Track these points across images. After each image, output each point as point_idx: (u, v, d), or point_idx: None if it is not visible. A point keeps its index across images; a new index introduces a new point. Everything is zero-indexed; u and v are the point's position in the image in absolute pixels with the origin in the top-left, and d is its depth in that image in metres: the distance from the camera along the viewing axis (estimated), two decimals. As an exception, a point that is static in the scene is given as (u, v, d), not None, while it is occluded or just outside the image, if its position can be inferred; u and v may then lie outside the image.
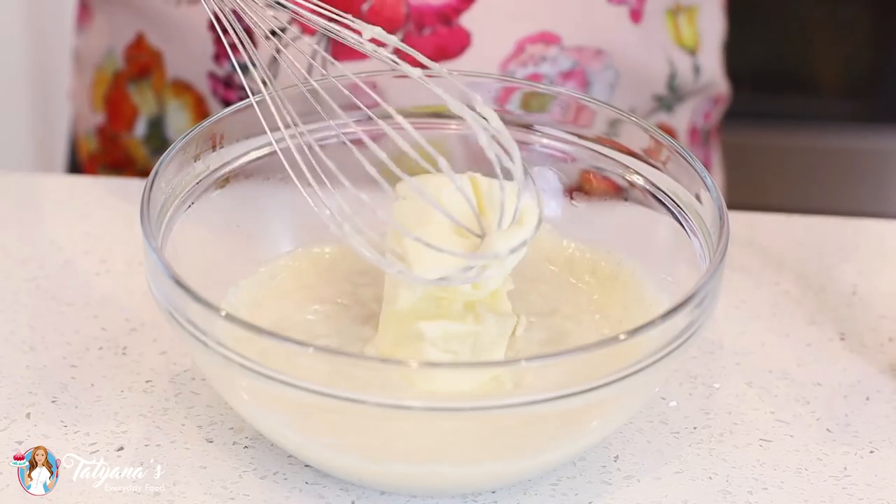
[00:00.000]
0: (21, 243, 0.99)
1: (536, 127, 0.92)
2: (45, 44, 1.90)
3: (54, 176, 1.09)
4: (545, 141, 0.92)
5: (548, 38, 1.04)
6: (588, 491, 0.83)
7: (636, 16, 1.07)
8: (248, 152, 0.90)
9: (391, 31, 1.01)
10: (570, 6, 1.05)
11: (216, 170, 0.88)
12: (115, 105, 1.15)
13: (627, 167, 0.90)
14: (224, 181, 0.89)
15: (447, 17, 1.03)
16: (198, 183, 0.88)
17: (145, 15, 1.09)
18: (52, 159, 1.96)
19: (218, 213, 0.89)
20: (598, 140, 0.91)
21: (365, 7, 1.02)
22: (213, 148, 0.88)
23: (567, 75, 1.05)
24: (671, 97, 1.11)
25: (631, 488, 0.83)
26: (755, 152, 2.07)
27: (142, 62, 1.12)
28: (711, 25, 1.15)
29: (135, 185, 1.03)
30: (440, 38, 1.03)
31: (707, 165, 1.19)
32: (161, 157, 0.85)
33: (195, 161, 0.87)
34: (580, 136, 0.92)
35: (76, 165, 1.23)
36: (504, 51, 1.04)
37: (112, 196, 1.04)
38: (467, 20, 1.03)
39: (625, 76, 1.08)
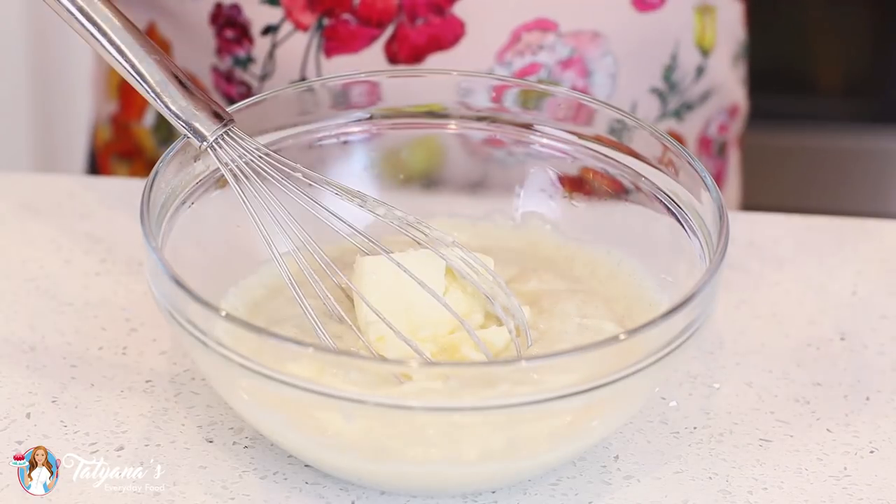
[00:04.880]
0: (21, 243, 0.99)
1: (536, 126, 0.92)
2: (45, 43, 1.90)
3: (54, 176, 1.09)
4: (545, 140, 0.92)
5: (544, 25, 1.03)
6: (588, 491, 0.83)
7: (640, 3, 1.05)
8: (247, 152, 0.90)
9: (384, 23, 1.01)
10: None
11: (216, 170, 0.88)
12: (127, 93, 1.15)
13: (627, 167, 0.90)
14: (224, 181, 0.89)
15: (440, 7, 1.01)
16: (198, 183, 0.88)
17: (156, 5, 1.09)
18: (53, 159, 1.96)
19: (218, 213, 0.89)
20: (598, 140, 0.91)
21: (357, 0, 1.01)
22: (214, 148, 0.88)
23: (566, 64, 1.04)
24: (668, 92, 1.09)
25: (631, 488, 0.83)
26: (755, 152, 2.07)
27: None
28: (727, 31, 1.14)
29: (135, 185, 1.03)
30: (433, 28, 1.01)
31: (719, 177, 1.18)
32: (161, 157, 0.85)
33: (195, 161, 0.87)
34: (580, 136, 0.91)
35: (93, 154, 1.23)
36: (499, 40, 1.02)
37: (112, 196, 1.04)
38: (460, 9, 1.02)
39: (623, 64, 1.06)
